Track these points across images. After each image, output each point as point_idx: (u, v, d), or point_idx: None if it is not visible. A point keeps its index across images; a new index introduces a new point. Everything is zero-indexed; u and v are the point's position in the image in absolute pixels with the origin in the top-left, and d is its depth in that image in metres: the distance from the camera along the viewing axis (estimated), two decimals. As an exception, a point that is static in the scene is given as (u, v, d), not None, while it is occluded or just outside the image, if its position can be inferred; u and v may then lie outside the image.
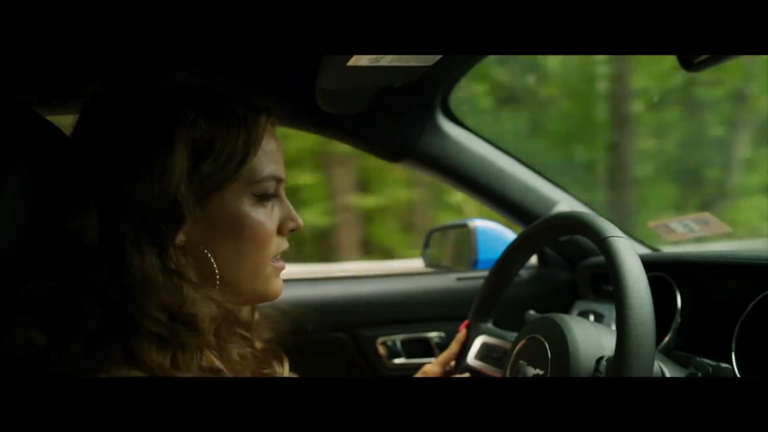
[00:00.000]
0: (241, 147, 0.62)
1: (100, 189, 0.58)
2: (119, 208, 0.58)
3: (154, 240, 0.58)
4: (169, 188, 0.58)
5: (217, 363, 0.64)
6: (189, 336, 0.58)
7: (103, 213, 0.57)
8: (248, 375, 0.70)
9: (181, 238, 0.61)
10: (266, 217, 0.65)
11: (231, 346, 0.69)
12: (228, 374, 0.67)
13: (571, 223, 0.82)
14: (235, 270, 0.65)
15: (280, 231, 0.68)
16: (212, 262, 0.63)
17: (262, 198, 0.65)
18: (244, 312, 0.75)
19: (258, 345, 0.75)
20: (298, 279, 1.37)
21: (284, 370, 0.76)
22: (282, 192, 0.69)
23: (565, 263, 1.43)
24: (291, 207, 0.70)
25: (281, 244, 0.69)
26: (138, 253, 0.57)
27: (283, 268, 0.70)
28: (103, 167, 0.59)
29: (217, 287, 0.63)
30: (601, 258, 0.72)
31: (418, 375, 0.98)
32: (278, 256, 0.69)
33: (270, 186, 0.66)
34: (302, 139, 3.86)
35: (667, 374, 0.77)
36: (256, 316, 0.76)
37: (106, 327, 0.55)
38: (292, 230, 0.70)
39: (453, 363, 1.00)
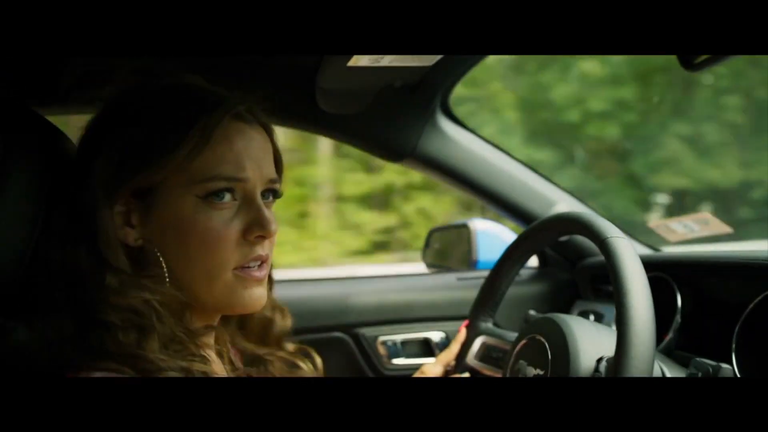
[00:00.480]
0: (173, 141, 0.60)
1: (55, 192, 0.62)
2: (56, 203, 0.61)
3: (81, 234, 0.59)
4: (89, 178, 0.59)
5: (204, 367, 0.63)
6: (137, 321, 0.57)
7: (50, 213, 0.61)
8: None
9: (134, 236, 0.61)
10: (218, 221, 0.61)
11: (224, 349, 0.69)
12: (222, 374, 0.67)
13: (571, 223, 0.82)
14: (187, 275, 0.61)
15: (244, 237, 0.62)
16: (162, 263, 0.61)
17: (210, 199, 0.61)
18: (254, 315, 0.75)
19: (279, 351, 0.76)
20: (299, 279, 1.37)
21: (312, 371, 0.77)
22: (252, 195, 0.63)
23: (565, 263, 1.43)
24: (263, 212, 0.63)
25: (248, 252, 0.63)
26: (72, 249, 0.58)
27: (257, 278, 0.64)
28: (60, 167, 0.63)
29: (166, 285, 0.62)
30: (601, 258, 0.72)
31: (417, 374, 0.98)
32: (252, 265, 0.64)
33: (218, 187, 0.61)
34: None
35: (667, 374, 0.77)
36: (259, 319, 0.76)
37: (74, 322, 0.56)
38: (261, 237, 0.63)
39: (453, 363, 1.00)
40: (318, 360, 0.77)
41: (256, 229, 0.62)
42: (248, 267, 0.63)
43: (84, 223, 0.59)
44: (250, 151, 0.63)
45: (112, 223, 0.60)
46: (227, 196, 0.61)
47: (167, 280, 0.61)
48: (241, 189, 0.63)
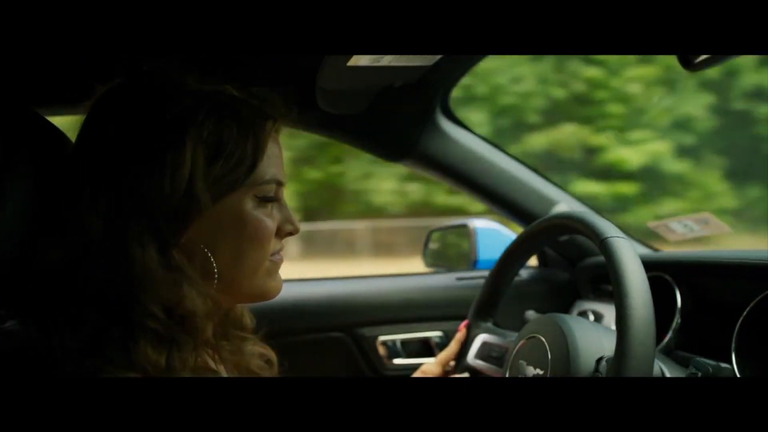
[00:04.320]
0: (250, 151, 0.63)
1: (108, 185, 0.59)
2: (126, 204, 0.58)
3: (157, 236, 0.59)
4: (180, 185, 0.59)
5: (212, 363, 0.64)
6: (184, 333, 0.58)
7: (109, 208, 0.58)
8: (240, 372, 0.70)
9: (185, 235, 0.61)
10: (268, 218, 0.66)
11: (224, 344, 0.69)
12: (223, 373, 0.67)
13: (571, 223, 0.82)
14: (235, 267, 0.65)
15: (277, 233, 0.69)
16: (212, 261, 0.63)
17: (264, 200, 0.66)
18: (238, 311, 0.76)
19: (251, 343, 0.76)
20: (299, 279, 1.37)
21: (274, 368, 0.77)
22: (282, 196, 0.70)
23: (565, 263, 1.43)
24: (290, 211, 0.70)
25: (277, 245, 0.70)
26: (140, 248, 0.57)
27: (281, 262, 0.71)
28: (112, 164, 0.60)
29: (214, 285, 0.64)
30: (601, 258, 0.72)
31: (417, 374, 0.98)
32: (276, 256, 0.70)
33: (271, 189, 0.66)
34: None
35: (667, 374, 0.77)
36: (250, 317, 0.77)
37: (104, 326, 0.56)
38: (289, 233, 0.70)
39: (452, 362, 1.01)
40: (273, 357, 0.78)
41: (289, 226, 0.70)
42: (274, 255, 0.70)
43: (154, 227, 0.59)
44: (282, 156, 0.70)
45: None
46: (273, 197, 0.67)
47: (216, 276, 0.64)
48: (279, 190, 0.69)
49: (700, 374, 0.76)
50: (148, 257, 0.58)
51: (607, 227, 0.73)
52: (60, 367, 0.54)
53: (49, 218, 0.60)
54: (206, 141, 0.61)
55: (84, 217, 0.58)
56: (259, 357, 0.76)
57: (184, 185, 0.59)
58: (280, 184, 0.68)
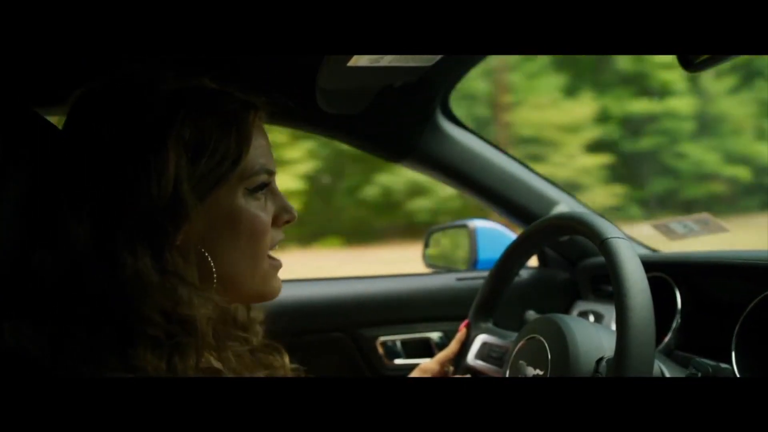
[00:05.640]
0: (234, 145, 0.63)
1: (91, 191, 0.58)
2: (111, 210, 0.57)
3: (150, 241, 0.58)
4: (167, 188, 0.58)
5: (215, 363, 0.64)
6: (186, 337, 0.57)
7: (95, 215, 0.57)
8: (246, 374, 0.70)
9: (179, 237, 0.60)
10: (260, 209, 0.66)
11: (227, 346, 0.69)
12: (226, 374, 0.67)
13: (571, 223, 0.82)
14: (234, 266, 0.65)
15: (274, 223, 0.69)
16: (209, 261, 0.63)
17: (255, 191, 0.66)
18: (240, 311, 0.75)
19: (255, 343, 0.75)
20: (299, 279, 1.37)
21: (285, 366, 0.77)
22: (275, 184, 0.70)
23: (565, 263, 1.43)
24: (285, 199, 0.70)
25: (276, 235, 0.69)
26: (131, 255, 0.56)
27: (280, 266, 0.70)
28: (93, 170, 0.59)
29: (214, 286, 0.63)
30: (602, 258, 0.72)
31: (415, 372, 0.98)
32: (275, 256, 0.70)
33: (262, 179, 0.66)
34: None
35: (667, 374, 0.77)
36: (252, 314, 0.76)
37: (101, 331, 0.55)
38: (287, 221, 0.70)
39: (452, 362, 1.01)
40: (287, 359, 0.78)
41: (285, 214, 0.70)
42: (275, 257, 0.70)
43: (145, 232, 0.57)
44: (269, 145, 0.69)
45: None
46: (264, 188, 0.67)
47: (215, 276, 0.63)
48: (271, 180, 0.68)
49: (700, 374, 0.76)
50: (141, 264, 0.56)
51: (607, 228, 0.73)
52: (56, 371, 0.53)
53: (42, 223, 0.59)
54: (188, 141, 0.60)
55: (69, 226, 0.57)
56: (264, 355, 0.76)
57: (170, 188, 0.58)
58: (270, 173, 0.67)
